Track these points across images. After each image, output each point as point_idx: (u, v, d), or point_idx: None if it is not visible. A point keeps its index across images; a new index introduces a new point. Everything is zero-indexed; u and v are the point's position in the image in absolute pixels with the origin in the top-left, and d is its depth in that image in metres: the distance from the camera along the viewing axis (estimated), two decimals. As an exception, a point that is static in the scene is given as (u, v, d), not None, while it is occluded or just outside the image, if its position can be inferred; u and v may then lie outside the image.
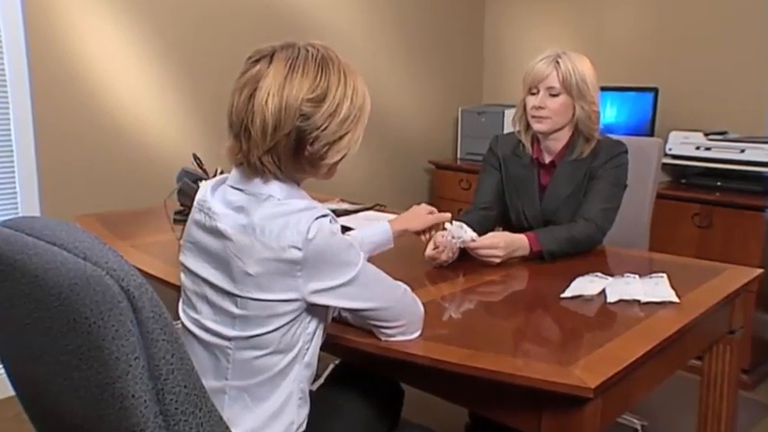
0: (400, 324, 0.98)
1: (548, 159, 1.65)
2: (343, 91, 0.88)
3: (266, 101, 0.86)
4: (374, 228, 1.24)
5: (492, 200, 1.70)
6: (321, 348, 0.99)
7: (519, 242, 1.47)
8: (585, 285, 1.27)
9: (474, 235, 1.41)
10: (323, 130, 0.89)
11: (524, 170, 1.66)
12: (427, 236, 1.29)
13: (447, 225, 1.37)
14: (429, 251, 1.41)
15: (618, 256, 1.55)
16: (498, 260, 1.43)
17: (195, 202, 0.97)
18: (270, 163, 0.89)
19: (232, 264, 0.87)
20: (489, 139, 1.73)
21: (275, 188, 0.91)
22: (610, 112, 2.70)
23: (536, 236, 1.49)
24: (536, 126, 1.60)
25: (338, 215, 1.84)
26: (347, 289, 0.89)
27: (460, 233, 1.38)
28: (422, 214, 1.30)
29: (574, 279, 1.31)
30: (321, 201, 1.94)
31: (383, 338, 0.98)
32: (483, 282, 1.33)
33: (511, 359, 0.95)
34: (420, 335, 1.00)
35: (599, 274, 1.33)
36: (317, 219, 0.87)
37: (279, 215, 0.87)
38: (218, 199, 0.93)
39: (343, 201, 2.05)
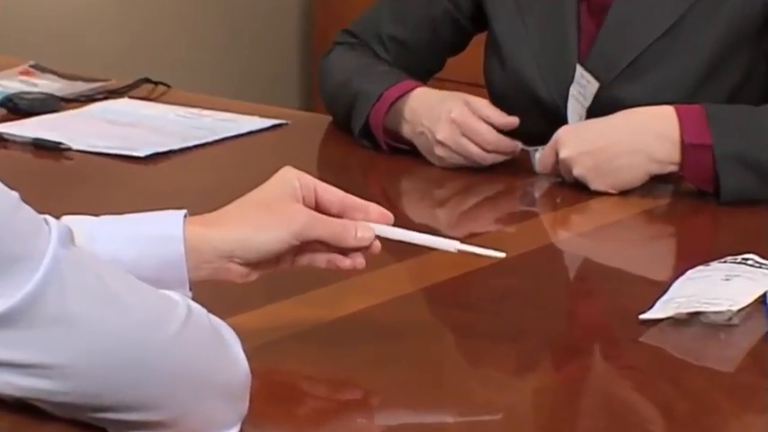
0: (163, 417, 0.89)
1: None
2: None
3: None
4: (130, 222, 1.11)
5: (419, 34, 1.72)
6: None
7: (651, 126, 1.48)
8: (709, 290, 1.18)
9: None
10: None
11: None
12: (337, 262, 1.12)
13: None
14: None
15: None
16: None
17: None
18: None
19: None
20: None
21: None
22: None
23: (700, 111, 1.47)
24: None
25: (26, 109, 1.71)
26: (7, 334, 0.83)
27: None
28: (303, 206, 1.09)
29: (678, 277, 1.21)
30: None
31: None
32: (455, 276, 1.27)
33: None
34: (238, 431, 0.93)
35: (752, 257, 1.23)
36: None
37: None
38: None
39: (39, 70, 1.93)
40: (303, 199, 1.05)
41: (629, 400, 1.05)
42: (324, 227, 1.05)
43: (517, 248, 1.31)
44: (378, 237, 1.07)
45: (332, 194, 1.07)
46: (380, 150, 1.61)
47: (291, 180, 1.07)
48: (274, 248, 1.04)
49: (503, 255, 1.10)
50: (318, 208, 1.06)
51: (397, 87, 1.58)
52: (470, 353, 1.13)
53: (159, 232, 1.05)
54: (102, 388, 0.86)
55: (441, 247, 1.12)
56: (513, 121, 1.52)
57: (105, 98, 1.77)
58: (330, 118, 1.82)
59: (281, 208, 1.05)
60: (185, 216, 1.04)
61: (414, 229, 1.12)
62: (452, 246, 1.10)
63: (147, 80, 1.83)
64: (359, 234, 1.05)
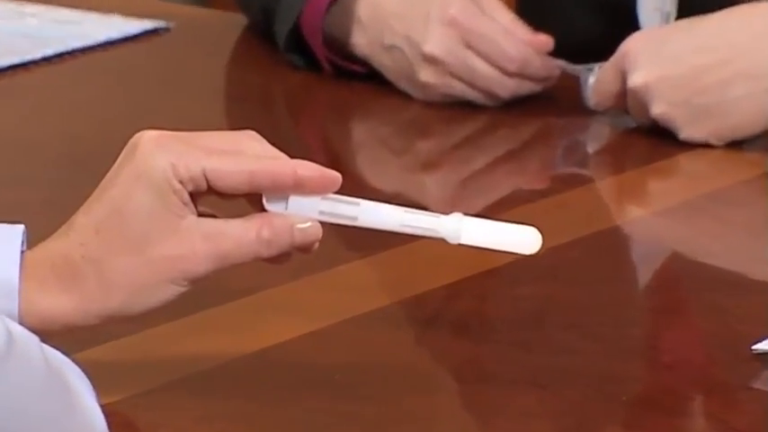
0: None
1: None
2: None
3: None
4: None
5: None
6: None
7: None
8: None
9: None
10: None
11: None
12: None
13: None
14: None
15: None
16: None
17: None
18: None
19: None
20: None
21: None
22: None
23: None
24: None
25: None
26: None
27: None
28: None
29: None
30: None
31: None
32: (452, 282, 1.35)
33: None
34: None
35: None
36: None
37: None
38: None
39: None
40: (191, 197, 1.09)
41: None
42: (233, 257, 1.09)
43: (557, 237, 1.32)
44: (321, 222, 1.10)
45: (232, 178, 1.10)
46: (322, 73, 1.61)
47: (167, 179, 1.10)
48: (163, 303, 1.10)
49: (537, 246, 1.11)
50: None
51: None
52: (480, 409, 1.14)
53: None
54: None
55: (429, 233, 1.13)
56: (545, 41, 1.54)
57: None
58: (243, 18, 1.84)
59: (161, 249, 1.10)
60: (24, 243, 1.08)
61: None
62: (450, 227, 1.11)
63: None
64: (298, 238, 1.08)
